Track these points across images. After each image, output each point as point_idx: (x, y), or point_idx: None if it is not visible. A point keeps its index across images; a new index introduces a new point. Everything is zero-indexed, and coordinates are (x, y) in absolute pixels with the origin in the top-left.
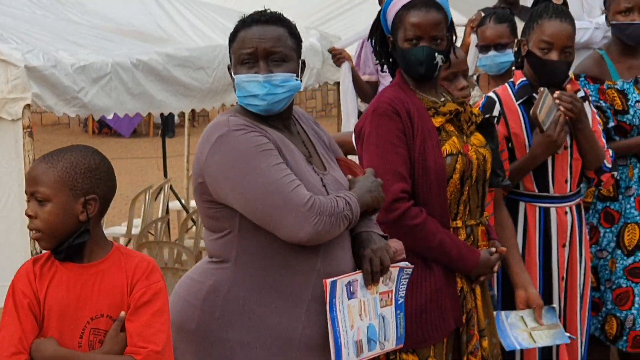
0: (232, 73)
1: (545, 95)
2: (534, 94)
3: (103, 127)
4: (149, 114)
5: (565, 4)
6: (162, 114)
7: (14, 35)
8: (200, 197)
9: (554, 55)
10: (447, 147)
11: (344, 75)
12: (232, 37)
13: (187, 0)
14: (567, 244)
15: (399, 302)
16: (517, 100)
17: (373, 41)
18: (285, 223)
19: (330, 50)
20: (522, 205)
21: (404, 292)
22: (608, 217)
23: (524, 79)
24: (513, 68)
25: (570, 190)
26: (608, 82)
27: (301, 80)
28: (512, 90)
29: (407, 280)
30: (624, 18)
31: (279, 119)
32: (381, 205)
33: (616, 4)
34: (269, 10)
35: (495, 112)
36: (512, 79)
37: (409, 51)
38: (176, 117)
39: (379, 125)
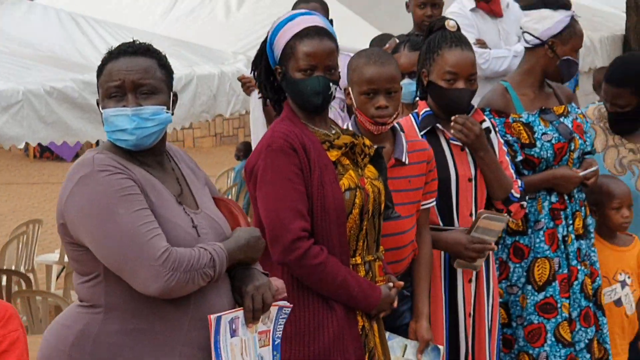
0: (100, 107)
1: (503, 219)
2: (437, 124)
3: (45, 151)
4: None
5: (459, 29)
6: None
7: None
8: (63, 238)
9: (460, 85)
10: (345, 182)
11: (253, 104)
12: (100, 70)
13: (111, 25)
14: (474, 279)
15: (276, 343)
16: (420, 131)
17: (256, 73)
18: (136, 276)
19: (240, 79)
20: None
21: (281, 332)
22: (517, 252)
23: (428, 109)
24: (417, 99)
25: None
26: (513, 115)
27: (173, 113)
28: (415, 121)
29: (284, 320)
30: (575, 55)
31: (150, 154)
32: (255, 260)
33: (576, 42)
34: (137, 42)
35: None
36: (416, 110)
37: (303, 82)
38: None
39: (275, 161)
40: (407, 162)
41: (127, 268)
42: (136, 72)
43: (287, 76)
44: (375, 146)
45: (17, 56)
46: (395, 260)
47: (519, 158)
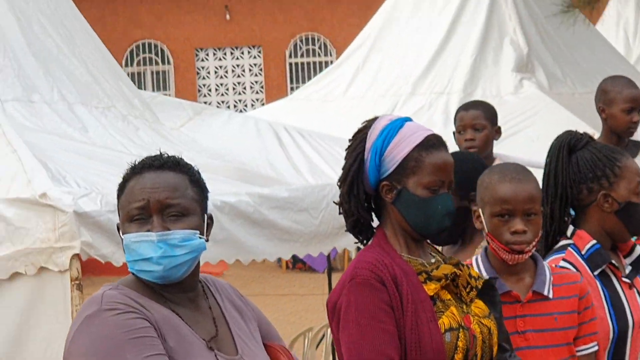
0: (120, 233)
1: None
2: (613, 261)
3: (297, 262)
4: None
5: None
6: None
7: (78, 177)
8: None
9: None
10: (445, 321)
11: None
12: (121, 189)
13: (313, 135)
14: None
15: None
16: (593, 271)
17: (354, 192)
18: None
19: None
20: None
21: None
22: None
23: (594, 241)
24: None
25: None
26: None
27: (207, 239)
28: (580, 255)
29: None
30: None
31: (179, 289)
32: None
33: None
34: (165, 154)
35: None
36: (572, 242)
37: (432, 200)
38: None
39: (359, 297)
40: (550, 296)
41: None
42: (163, 190)
43: (404, 194)
44: (485, 277)
45: (202, 170)
46: None
47: None
